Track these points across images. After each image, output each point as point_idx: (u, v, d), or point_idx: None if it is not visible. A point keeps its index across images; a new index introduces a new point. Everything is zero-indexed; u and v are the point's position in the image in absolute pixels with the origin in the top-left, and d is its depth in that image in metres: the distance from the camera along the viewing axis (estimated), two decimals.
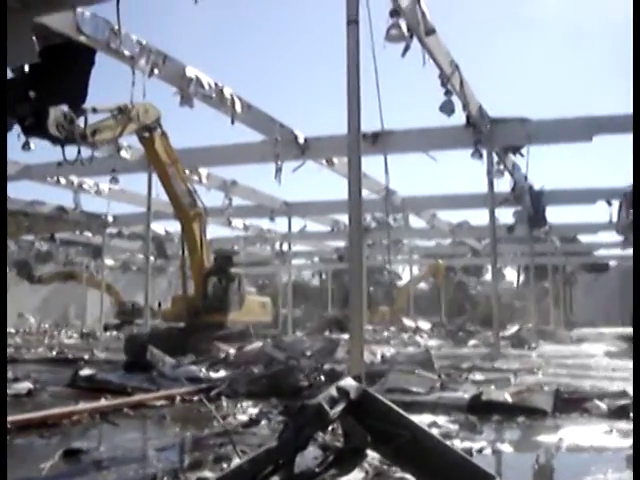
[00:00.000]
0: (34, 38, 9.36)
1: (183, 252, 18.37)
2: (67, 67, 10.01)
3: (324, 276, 59.69)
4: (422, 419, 6.92)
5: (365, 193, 8.18)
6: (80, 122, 11.99)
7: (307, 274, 68.54)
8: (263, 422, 7.71)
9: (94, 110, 13.00)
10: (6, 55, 6.60)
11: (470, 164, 16.38)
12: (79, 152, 12.09)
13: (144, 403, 9.27)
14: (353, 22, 7.59)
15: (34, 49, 9.48)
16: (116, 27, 10.31)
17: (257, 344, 14.55)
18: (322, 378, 10.57)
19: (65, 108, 11.04)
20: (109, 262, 39.08)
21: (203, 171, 21.48)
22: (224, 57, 72.12)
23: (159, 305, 27.16)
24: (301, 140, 17.57)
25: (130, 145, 18.46)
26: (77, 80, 10.40)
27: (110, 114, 14.30)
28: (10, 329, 36.13)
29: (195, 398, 9.72)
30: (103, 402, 9.00)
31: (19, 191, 27.44)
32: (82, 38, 10.22)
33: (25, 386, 10.71)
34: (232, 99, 14.53)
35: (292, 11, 75.36)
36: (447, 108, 13.47)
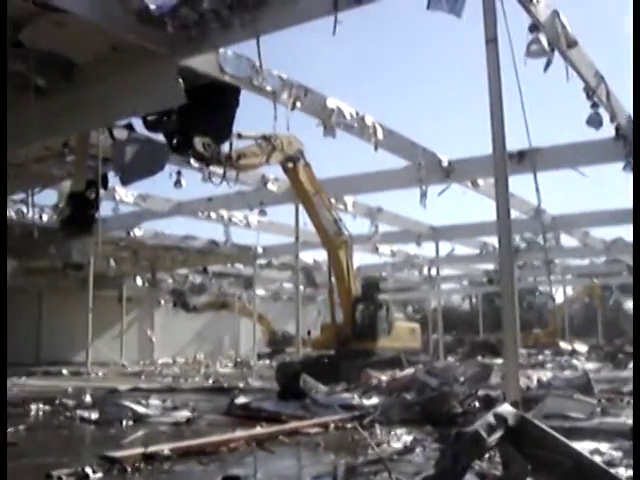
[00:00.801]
0: (181, 81, 9.80)
1: (331, 280, 18.52)
2: (213, 107, 10.43)
3: (474, 300, 58.63)
4: (583, 446, 6.62)
5: (513, 213, 7.97)
6: (225, 146, 12.43)
7: (456, 298, 67.56)
8: (418, 450, 7.61)
9: (239, 136, 13.40)
10: (6, 56, 6.87)
11: (622, 178, 15.69)
12: (224, 174, 12.50)
13: (298, 430, 9.35)
14: (492, 40, 7.46)
15: (181, 92, 9.93)
16: (257, 64, 10.57)
17: (409, 371, 14.42)
18: (476, 404, 10.35)
19: None
20: (260, 292, 40.02)
21: (348, 199, 21.68)
22: (362, 85, 72.84)
23: (309, 333, 27.50)
24: (445, 163, 17.41)
25: (276, 177, 18.92)
26: (222, 119, 10.83)
27: (255, 141, 14.69)
28: (168, 359, 37.65)
29: (349, 425, 9.72)
30: (259, 430, 9.16)
31: (173, 227, 28.71)
32: (225, 77, 10.58)
33: (184, 414, 11.07)
34: (374, 127, 14.62)
35: (428, 34, 75.29)
36: (594, 121, 12.96)
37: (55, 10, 8.68)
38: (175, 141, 10.67)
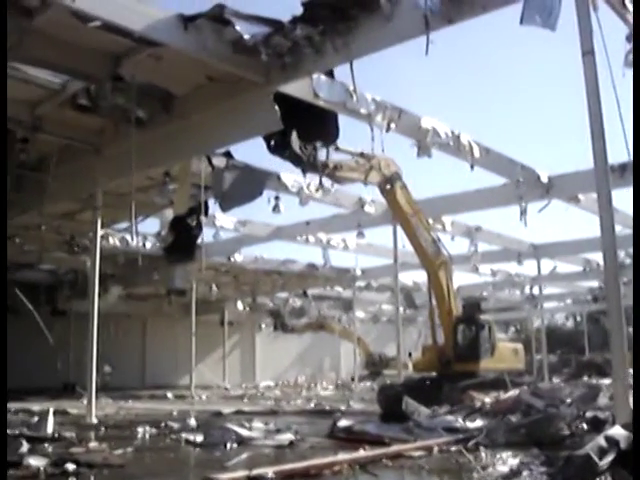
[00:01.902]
0: (276, 107, 9.95)
1: (431, 301, 18.34)
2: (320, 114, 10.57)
3: (579, 318, 56.96)
4: None
5: (617, 228, 7.71)
6: (322, 154, 12.45)
7: (560, 317, 65.80)
8: (525, 473, 7.39)
9: (337, 149, 13.40)
10: (6, 57, 7.00)
11: None
12: (321, 181, 12.51)
13: (402, 453, 9.24)
14: (588, 52, 7.28)
15: (278, 118, 10.09)
16: (351, 87, 10.62)
17: (513, 392, 14.08)
18: (584, 426, 10.01)
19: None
20: (360, 314, 39.97)
21: (446, 219, 21.49)
22: (455, 103, 72.29)
23: (410, 355, 27.26)
24: (544, 179, 17.05)
25: (373, 199, 18.94)
26: (330, 122, 10.88)
27: (352, 157, 14.68)
28: (270, 382, 37.98)
29: (453, 448, 9.55)
30: (362, 453, 9.09)
31: (272, 251, 29.06)
32: (320, 102, 10.68)
33: (287, 437, 11.10)
34: (470, 145, 14.46)
35: (523, 48, 74.20)
36: None
37: (152, 44, 8.98)
38: (273, 142, 10.72)
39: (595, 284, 36.16)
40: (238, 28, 8.81)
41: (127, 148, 10.83)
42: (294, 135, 11.02)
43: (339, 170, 13.96)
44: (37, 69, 10.02)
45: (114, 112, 11.28)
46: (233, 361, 38.99)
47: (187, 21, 8.71)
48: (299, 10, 8.97)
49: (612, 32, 8.47)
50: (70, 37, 9.13)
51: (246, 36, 8.83)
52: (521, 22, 7.38)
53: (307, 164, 11.77)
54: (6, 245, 11.10)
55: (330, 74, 10.49)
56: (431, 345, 18.87)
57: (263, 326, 41.48)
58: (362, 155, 14.82)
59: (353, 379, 34.87)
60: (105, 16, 8.15)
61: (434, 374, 17.77)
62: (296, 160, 11.48)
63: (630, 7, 8.48)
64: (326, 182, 14.01)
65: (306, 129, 11.12)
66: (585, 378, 27.96)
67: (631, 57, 9.62)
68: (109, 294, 24.59)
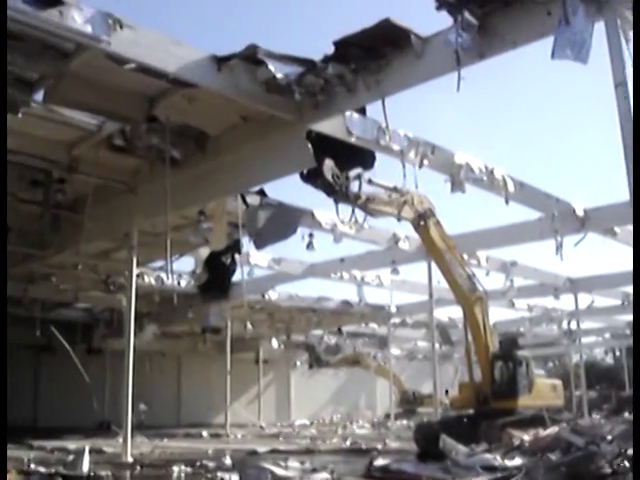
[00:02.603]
0: (309, 145, 10.01)
1: (467, 337, 18.17)
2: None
3: (618, 353, 55.96)
4: None
5: None
6: (355, 185, 12.35)
7: (599, 352, 64.76)
8: None
9: (370, 181, 13.34)
10: (6, 60, 7.04)
11: None
12: (353, 211, 12.42)
13: None
14: (621, 84, 7.24)
15: (311, 156, 10.15)
16: (384, 124, 10.65)
17: (552, 429, 13.84)
18: (626, 464, 9.78)
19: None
20: (395, 351, 39.68)
21: (481, 254, 21.34)
22: (489, 138, 72.18)
23: (447, 392, 26.97)
24: (580, 212, 16.88)
25: (407, 236, 18.89)
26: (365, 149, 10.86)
27: (385, 190, 14.61)
28: (305, 420, 37.72)
29: None
30: None
31: (306, 289, 29.03)
32: (352, 139, 10.72)
33: (323, 477, 10.98)
34: (504, 180, 14.39)
35: (555, 82, 74.10)
36: None
37: (186, 85, 9.10)
38: (305, 170, 10.68)
39: None
40: (271, 68, 8.89)
41: (162, 187, 10.93)
42: (327, 164, 10.97)
43: (372, 202, 13.82)
44: (73, 111, 10.18)
45: (149, 152, 11.43)
46: (268, 399, 38.83)
47: (220, 62, 8.82)
48: (331, 49, 9.05)
49: None
50: (106, 79, 9.29)
51: (279, 75, 8.91)
52: (552, 56, 7.36)
53: (339, 194, 11.64)
54: (6, 245, 11.21)
55: (362, 111, 10.53)
56: (468, 382, 18.65)
57: (298, 364, 41.31)
58: (395, 190, 14.77)
59: (389, 417, 34.52)
60: (140, 58, 8.28)
61: (471, 411, 17.55)
62: (328, 189, 11.38)
63: None
64: (359, 216, 13.82)
65: (342, 156, 11.10)
66: (626, 414, 27.38)
67: None
68: (144, 332, 24.72)
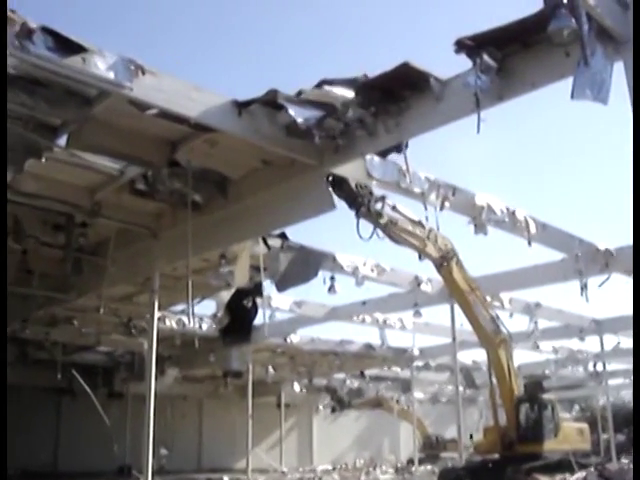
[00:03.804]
0: (330, 189, 10.02)
1: (491, 381, 18.00)
2: None
3: None
4: None
5: None
6: (378, 204, 12.05)
7: (626, 394, 63.71)
8: None
9: (394, 208, 13.16)
10: (6, 62, 7.04)
11: None
12: (374, 229, 12.14)
13: None
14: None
15: (332, 200, 10.15)
16: (404, 167, 10.64)
17: (579, 474, 13.62)
18: None
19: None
20: (418, 395, 39.30)
21: (504, 296, 21.17)
22: (508, 178, 72.12)
23: (471, 437, 26.62)
24: (604, 253, 16.74)
25: (430, 278, 18.82)
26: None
27: (409, 221, 14.41)
28: (328, 465, 37.32)
29: None
30: None
31: (328, 332, 28.97)
32: (373, 182, 10.71)
33: None
34: (526, 221, 14.32)
35: (577, 121, 74.17)
36: None
37: (207, 130, 9.17)
38: (330, 178, 10.51)
39: None
40: (291, 112, 8.93)
41: (184, 232, 10.96)
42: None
43: (394, 226, 13.52)
44: (96, 155, 10.27)
45: (171, 196, 11.48)
46: (290, 444, 38.52)
47: (241, 106, 8.88)
48: (351, 93, 9.09)
49: None
50: (128, 124, 9.38)
51: (299, 120, 8.93)
52: (572, 97, 7.35)
53: (362, 205, 11.39)
54: (6, 247, 11.23)
55: (383, 154, 10.52)
56: (493, 426, 18.45)
57: (320, 408, 41.01)
58: (420, 224, 14.59)
59: (412, 462, 34.07)
60: (161, 104, 8.35)
61: (496, 456, 17.31)
62: (350, 198, 11.13)
63: None
64: (380, 235, 13.37)
65: None
66: None
67: None
68: (166, 376, 24.69)
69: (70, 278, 14.53)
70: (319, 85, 9.09)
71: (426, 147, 11.56)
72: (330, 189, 10.13)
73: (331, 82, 9.11)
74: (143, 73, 7.92)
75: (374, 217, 11.98)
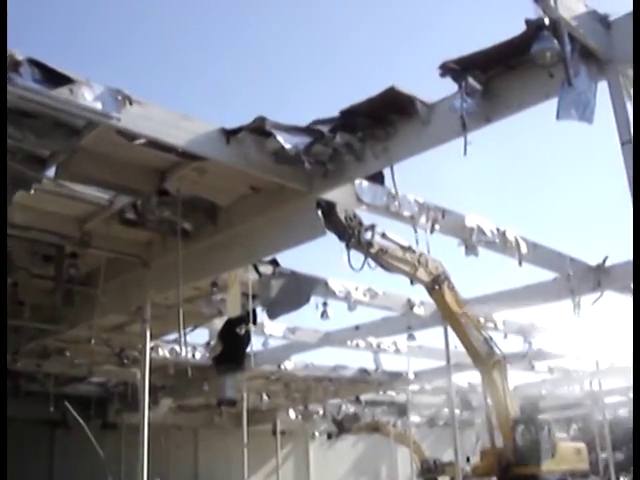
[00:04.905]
0: (320, 213, 10.03)
1: (487, 403, 17.96)
2: None
3: None
4: None
5: None
6: (368, 234, 12.05)
7: (624, 412, 63.46)
8: None
9: (383, 235, 13.17)
10: (6, 65, 7.04)
11: None
12: (365, 259, 12.11)
13: None
14: (627, 142, 7.26)
15: (322, 226, 10.17)
16: (393, 191, 10.67)
17: None
18: None
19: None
20: (415, 419, 39.11)
21: (498, 317, 21.15)
22: (501, 199, 72.34)
23: (468, 460, 26.51)
24: (595, 271, 16.75)
25: (422, 301, 18.79)
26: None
27: (399, 247, 14.41)
28: None
29: None
30: None
31: (322, 358, 28.84)
32: (362, 207, 10.73)
33: None
34: (516, 241, 14.34)
35: (565, 139, 74.58)
36: None
37: (196, 158, 9.19)
38: (320, 210, 10.46)
39: None
40: (279, 139, 8.96)
41: (174, 260, 10.94)
42: (340, 206, 10.78)
43: (385, 254, 13.56)
44: (85, 185, 10.28)
45: (161, 225, 11.47)
46: (286, 471, 38.22)
47: (229, 134, 8.91)
48: (336, 116, 9.14)
49: None
50: (116, 154, 9.40)
51: (287, 146, 8.97)
52: (557, 117, 7.41)
53: (352, 237, 11.37)
54: (6, 248, 11.17)
55: (372, 178, 10.53)
56: (490, 448, 18.39)
57: (317, 434, 40.75)
58: (410, 249, 14.64)
59: None
60: (149, 133, 8.37)
61: (494, 479, 17.23)
62: (340, 230, 11.12)
63: None
64: (371, 264, 13.38)
65: None
66: None
67: None
68: (160, 406, 24.51)
69: (61, 309, 14.48)
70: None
71: (416, 169, 11.57)
72: (320, 214, 10.15)
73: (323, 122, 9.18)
74: (130, 103, 7.96)
75: (364, 247, 11.99)
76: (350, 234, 11.14)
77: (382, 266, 13.54)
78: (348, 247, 11.28)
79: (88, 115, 7.83)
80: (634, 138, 6.96)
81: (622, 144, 7.33)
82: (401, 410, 36.07)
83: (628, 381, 38.19)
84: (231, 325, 15.80)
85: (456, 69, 7.98)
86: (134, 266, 13.04)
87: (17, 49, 7.11)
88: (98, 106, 7.69)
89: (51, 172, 9.55)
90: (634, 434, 5.39)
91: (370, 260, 12.39)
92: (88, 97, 7.63)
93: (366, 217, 11.65)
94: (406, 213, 11.68)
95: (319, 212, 10.11)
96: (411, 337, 21.45)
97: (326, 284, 16.20)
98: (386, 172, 10.01)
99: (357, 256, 11.83)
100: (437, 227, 12.50)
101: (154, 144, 8.78)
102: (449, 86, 8.24)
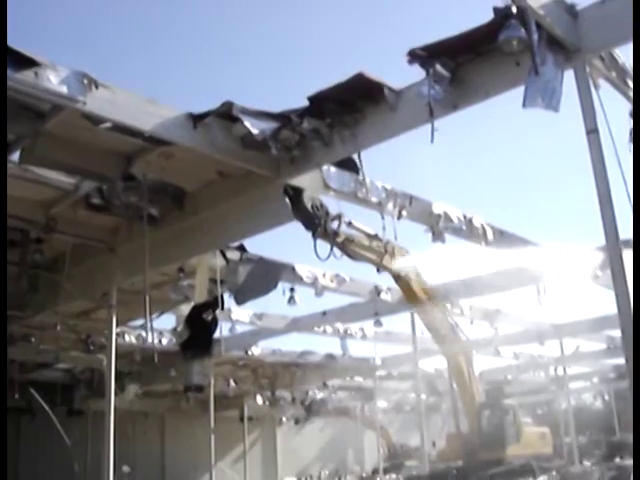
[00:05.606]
0: (287, 200, 10.02)
1: (452, 388, 18.10)
2: None
3: (607, 397, 55.59)
4: None
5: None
6: (334, 223, 12.04)
7: (588, 397, 64.37)
8: None
9: (350, 224, 13.15)
10: (6, 67, 7.04)
11: None
12: (331, 249, 12.10)
13: None
14: (593, 131, 7.33)
15: (289, 212, 10.16)
16: (360, 177, 10.67)
17: (542, 478, 13.72)
18: None
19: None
20: (382, 404, 39.37)
21: (464, 303, 21.30)
22: (468, 186, 72.74)
23: (434, 445, 26.76)
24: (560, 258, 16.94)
25: (389, 287, 18.86)
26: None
27: (365, 235, 14.43)
28: (292, 478, 37.19)
29: None
30: None
31: (289, 343, 28.86)
32: (330, 193, 10.72)
33: None
34: (483, 228, 14.43)
35: (527, 128, 75.16)
36: None
37: (163, 143, 9.12)
38: (287, 199, 10.42)
39: (621, 361, 35.46)
40: (247, 124, 8.92)
41: (141, 246, 10.86)
42: (307, 194, 10.75)
43: (351, 243, 13.55)
44: (50, 170, 10.15)
45: (127, 211, 11.37)
46: (254, 457, 38.27)
47: (196, 119, 8.85)
48: (306, 104, 9.11)
49: (615, 109, 8.55)
50: (82, 139, 9.29)
51: (255, 131, 8.93)
52: (524, 105, 7.46)
53: (318, 226, 11.34)
54: (6, 249, 11.05)
55: (344, 165, 10.51)
56: (455, 433, 18.54)
57: (284, 420, 40.85)
58: (376, 237, 14.66)
59: (377, 472, 34.10)
60: (115, 117, 8.29)
61: (460, 463, 17.40)
62: (307, 220, 11.08)
63: (630, 84, 8.58)
64: (338, 253, 13.40)
65: None
66: (617, 460, 27.12)
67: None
68: (126, 392, 24.39)
69: (26, 295, 14.32)
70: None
71: (385, 157, 11.61)
72: (288, 201, 10.13)
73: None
74: (97, 87, 7.86)
75: (331, 237, 11.95)
76: (317, 224, 11.11)
77: (349, 255, 13.55)
78: (315, 237, 11.26)
79: (53, 99, 7.74)
80: (634, 138, 6.97)
81: (587, 133, 7.40)
82: (368, 395, 36.29)
83: (592, 366, 38.79)
84: (198, 311, 15.73)
85: (424, 56, 7.98)
86: (100, 251, 12.93)
87: None
88: (64, 90, 7.59)
89: (15, 156, 9.42)
90: (634, 434, 5.40)
91: (336, 249, 12.36)
92: (53, 80, 7.52)
93: (333, 203, 11.67)
94: (374, 199, 11.67)
95: (286, 198, 10.09)
96: (378, 323, 21.56)
97: (293, 270, 16.21)
98: (354, 158, 10.01)
99: (324, 245, 11.85)
100: (404, 213, 12.51)
101: (120, 128, 8.70)
102: (417, 73, 8.26)
